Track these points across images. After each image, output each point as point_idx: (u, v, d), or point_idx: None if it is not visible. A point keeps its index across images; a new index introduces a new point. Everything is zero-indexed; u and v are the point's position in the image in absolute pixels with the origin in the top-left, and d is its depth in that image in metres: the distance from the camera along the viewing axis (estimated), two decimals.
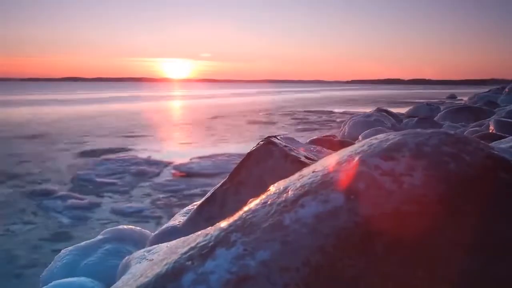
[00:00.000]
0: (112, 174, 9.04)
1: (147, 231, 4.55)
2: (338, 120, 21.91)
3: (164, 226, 2.64)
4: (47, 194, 7.57)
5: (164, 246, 1.82)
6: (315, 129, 17.43)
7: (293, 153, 2.28)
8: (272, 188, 1.22)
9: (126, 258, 2.01)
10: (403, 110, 21.35)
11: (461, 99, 40.31)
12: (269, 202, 1.07)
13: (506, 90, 27.57)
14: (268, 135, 2.67)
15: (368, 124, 13.33)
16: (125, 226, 4.46)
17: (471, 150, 1.05)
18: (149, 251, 1.82)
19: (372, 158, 1.07)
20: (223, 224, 1.11)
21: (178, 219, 2.64)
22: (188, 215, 2.56)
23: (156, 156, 10.74)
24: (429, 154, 1.05)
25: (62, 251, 4.19)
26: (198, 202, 3.06)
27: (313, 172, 1.15)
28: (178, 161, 10.14)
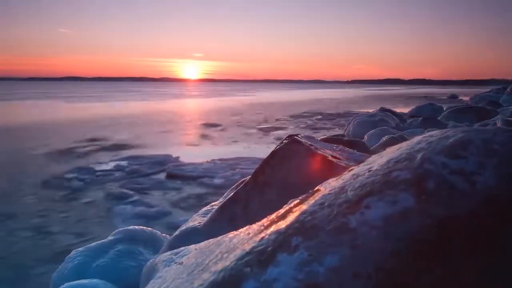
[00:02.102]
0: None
1: (158, 231, 4.48)
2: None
3: (183, 227, 2.56)
4: None
5: (192, 248, 1.75)
6: (316, 129, 17.38)
7: (319, 152, 2.21)
8: (323, 188, 1.15)
9: (151, 261, 1.94)
10: (405, 110, 21.31)
11: (462, 99, 40.32)
12: (327, 204, 1.00)
13: (508, 90, 27.56)
14: (289, 134, 2.60)
15: (373, 123, 13.26)
16: (136, 227, 4.38)
17: None
18: (176, 253, 1.75)
19: (437, 156, 1.00)
20: (276, 226, 1.04)
21: (198, 219, 2.57)
22: (208, 215, 2.48)
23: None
24: (499, 151, 0.98)
25: (73, 252, 4.10)
26: (216, 202, 2.99)
27: (369, 171, 1.08)
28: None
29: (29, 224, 6.17)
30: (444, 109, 18.87)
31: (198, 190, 7.62)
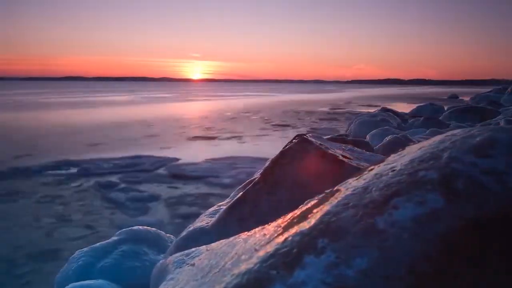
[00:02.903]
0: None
1: (162, 232, 4.44)
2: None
3: (191, 227, 2.53)
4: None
5: (203, 249, 1.72)
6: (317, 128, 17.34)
7: (330, 151, 2.18)
8: (344, 188, 1.12)
9: (161, 262, 1.91)
10: (405, 110, 21.29)
11: (462, 99, 40.34)
12: (351, 204, 0.97)
13: (509, 90, 27.56)
14: (298, 133, 2.57)
15: (375, 123, 13.24)
16: (140, 227, 4.34)
17: None
18: (187, 254, 1.72)
19: (465, 155, 0.97)
20: (298, 227, 1.01)
21: (205, 220, 2.54)
22: (217, 215, 2.45)
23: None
24: None
25: (76, 252, 4.07)
26: (223, 202, 2.97)
27: (393, 170, 1.05)
28: None
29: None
30: (445, 109, 18.87)
31: (203, 190, 7.57)
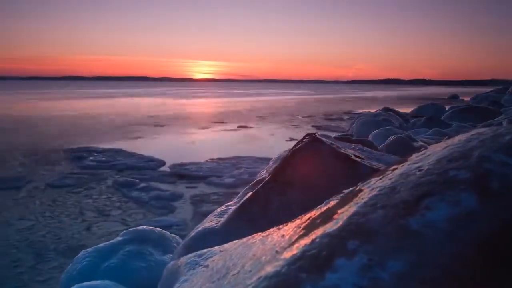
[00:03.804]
0: None
1: (167, 232, 4.41)
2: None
3: (199, 228, 2.50)
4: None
5: (216, 250, 1.69)
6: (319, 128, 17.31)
7: (342, 150, 2.15)
8: (367, 188, 1.09)
9: (172, 263, 1.87)
10: (407, 109, 21.26)
11: (463, 99, 40.31)
12: (379, 205, 0.94)
13: (510, 90, 27.53)
14: (307, 133, 2.54)
15: (377, 123, 13.21)
16: (145, 227, 4.31)
17: None
18: (200, 256, 1.68)
19: (496, 154, 0.94)
20: (324, 228, 0.98)
21: (214, 220, 2.50)
22: (226, 216, 2.42)
23: None
24: None
25: (81, 253, 4.03)
26: (231, 202, 2.93)
27: (420, 170, 1.02)
28: None
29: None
30: (447, 109, 18.85)
31: (208, 190, 7.53)
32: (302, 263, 0.85)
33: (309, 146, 2.22)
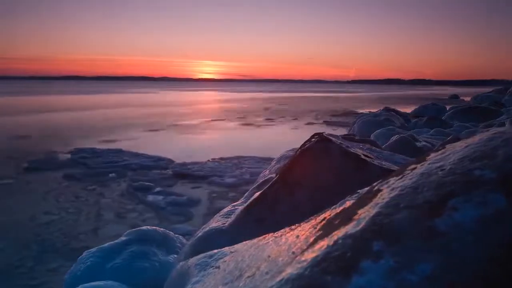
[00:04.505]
0: None
1: (171, 232, 4.38)
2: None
3: (206, 228, 2.47)
4: None
5: (227, 251, 1.66)
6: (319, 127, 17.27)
7: (351, 150, 2.12)
8: (386, 188, 1.07)
9: (182, 264, 1.85)
10: (407, 110, 21.24)
11: (463, 99, 40.31)
12: (403, 205, 0.92)
13: (511, 90, 27.52)
14: (314, 132, 2.52)
15: (378, 123, 13.19)
16: (148, 227, 4.29)
17: None
18: (210, 256, 1.66)
19: None
20: (345, 229, 0.95)
21: (221, 220, 2.48)
22: (233, 216, 2.40)
23: None
24: None
25: (85, 253, 4.00)
26: (238, 202, 2.91)
27: (442, 169, 1.00)
28: None
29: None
30: (448, 109, 18.83)
31: (210, 189, 7.50)
32: (326, 265, 0.83)
33: (318, 146, 2.19)
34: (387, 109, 16.44)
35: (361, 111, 24.83)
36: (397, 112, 16.63)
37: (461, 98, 43.88)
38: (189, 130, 16.84)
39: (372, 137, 10.19)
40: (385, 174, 1.87)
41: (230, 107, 31.14)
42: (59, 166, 9.59)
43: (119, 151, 10.89)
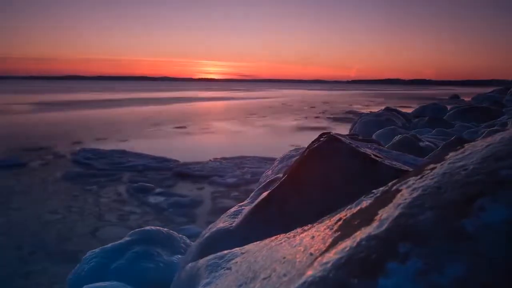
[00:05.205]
0: None
1: (174, 232, 4.35)
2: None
3: (213, 228, 2.45)
4: None
5: (237, 252, 1.64)
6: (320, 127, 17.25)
7: (361, 150, 2.10)
8: (408, 188, 1.04)
9: (191, 265, 1.82)
10: (407, 110, 21.22)
11: (464, 100, 40.29)
12: (427, 205, 0.89)
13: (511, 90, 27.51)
14: (322, 132, 2.50)
15: (380, 123, 13.17)
16: (152, 227, 4.26)
17: None
18: (221, 257, 1.64)
19: None
20: (366, 230, 0.93)
21: (228, 221, 2.45)
22: (241, 216, 2.37)
23: None
24: None
25: (88, 253, 3.98)
26: (244, 202, 2.88)
27: (465, 169, 0.97)
28: None
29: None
30: (449, 109, 18.81)
31: (211, 189, 7.48)
32: (351, 268, 0.81)
33: (327, 145, 2.17)
34: (388, 109, 16.42)
35: (361, 111, 24.82)
36: (399, 112, 16.61)
37: (462, 98, 43.87)
38: (191, 130, 16.82)
39: (374, 137, 10.17)
40: (397, 174, 1.85)
41: (229, 108, 31.11)
42: (62, 166, 9.57)
43: (123, 152, 10.86)
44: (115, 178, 8.41)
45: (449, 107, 19.52)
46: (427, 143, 7.15)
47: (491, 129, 9.49)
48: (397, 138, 7.12)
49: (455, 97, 46.20)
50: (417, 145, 6.65)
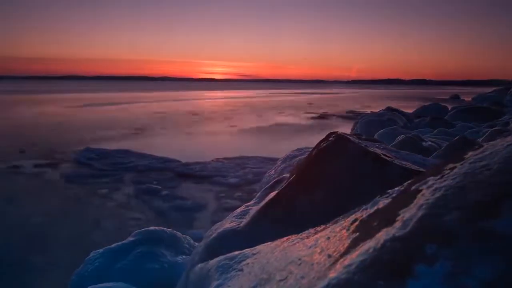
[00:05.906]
0: None
1: (178, 232, 4.32)
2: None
3: (220, 229, 2.42)
4: None
5: (248, 253, 1.62)
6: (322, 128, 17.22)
7: (371, 149, 2.08)
8: (429, 188, 1.02)
9: (200, 266, 1.80)
10: (408, 110, 21.20)
11: (464, 100, 40.28)
12: (452, 206, 0.87)
13: None
14: (331, 131, 2.47)
15: (381, 123, 13.15)
16: (156, 227, 4.23)
17: None
18: (231, 259, 1.61)
19: None
20: (388, 231, 0.91)
21: (235, 221, 2.43)
22: (248, 216, 2.35)
23: None
24: None
25: (92, 253, 3.95)
26: (251, 203, 2.86)
27: (488, 169, 0.95)
28: None
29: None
30: (449, 109, 18.80)
31: (214, 190, 7.45)
32: (377, 269, 0.79)
33: (335, 145, 2.15)
34: (389, 109, 16.41)
35: (362, 111, 24.80)
36: (400, 112, 16.59)
37: (462, 98, 43.86)
38: (194, 130, 16.80)
39: (375, 137, 10.14)
40: (408, 174, 1.83)
41: (228, 108, 31.11)
42: (65, 166, 9.55)
43: (126, 152, 10.83)
44: (117, 178, 8.39)
45: (449, 107, 19.52)
46: (430, 143, 7.13)
47: (493, 129, 9.47)
48: (399, 138, 7.10)
49: (456, 97, 46.20)
50: (420, 145, 6.63)
